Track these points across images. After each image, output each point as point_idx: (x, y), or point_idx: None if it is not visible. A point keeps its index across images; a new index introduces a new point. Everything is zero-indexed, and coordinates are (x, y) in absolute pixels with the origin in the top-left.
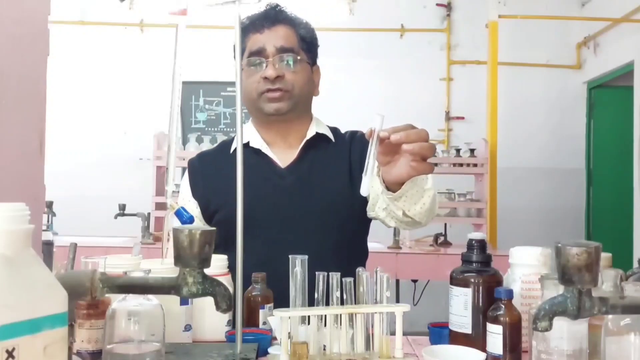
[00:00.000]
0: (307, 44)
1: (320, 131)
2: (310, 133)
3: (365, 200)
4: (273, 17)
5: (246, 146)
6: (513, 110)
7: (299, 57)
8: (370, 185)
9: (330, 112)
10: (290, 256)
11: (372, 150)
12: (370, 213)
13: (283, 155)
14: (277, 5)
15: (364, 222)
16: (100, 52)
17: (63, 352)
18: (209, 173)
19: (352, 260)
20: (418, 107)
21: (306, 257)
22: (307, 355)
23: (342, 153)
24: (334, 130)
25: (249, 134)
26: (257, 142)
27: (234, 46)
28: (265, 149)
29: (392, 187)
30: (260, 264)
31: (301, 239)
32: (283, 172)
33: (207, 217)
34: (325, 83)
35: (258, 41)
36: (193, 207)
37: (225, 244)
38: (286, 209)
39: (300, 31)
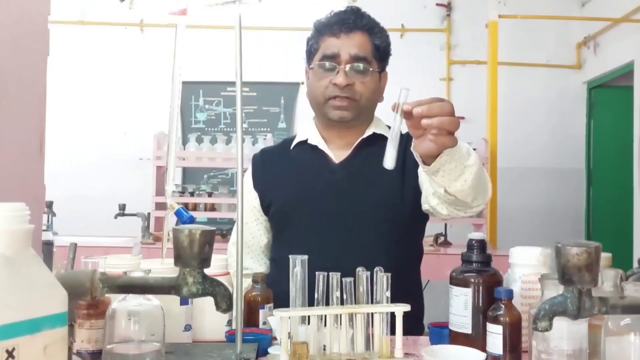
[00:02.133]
0: (380, 53)
1: (378, 131)
2: (368, 132)
3: (418, 199)
4: (352, 23)
5: (305, 142)
6: (513, 110)
7: (370, 68)
8: (394, 158)
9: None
10: (290, 256)
11: (396, 124)
12: (424, 206)
13: (339, 152)
14: (358, 10)
15: (417, 222)
16: (100, 52)
17: (63, 352)
18: (267, 168)
19: (402, 259)
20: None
21: (306, 257)
22: (307, 355)
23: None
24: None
25: (309, 131)
26: (315, 139)
27: (307, 41)
28: (322, 146)
29: (429, 160)
30: (309, 252)
31: (349, 234)
32: (335, 168)
33: (264, 209)
34: None
35: (333, 45)
36: (253, 199)
37: (274, 236)
38: (335, 203)
39: (375, 40)
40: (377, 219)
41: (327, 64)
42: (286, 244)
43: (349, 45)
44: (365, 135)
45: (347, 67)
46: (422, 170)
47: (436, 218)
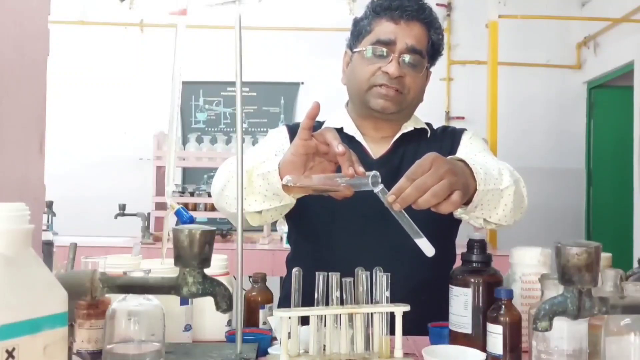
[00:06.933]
0: (433, 51)
1: (418, 126)
2: (408, 127)
3: None
4: (414, 11)
5: (339, 131)
6: (513, 110)
7: (425, 64)
8: (429, 243)
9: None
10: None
11: (403, 220)
12: (455, 213)
13: (375, 146)
14: None
15: (452, 225)
16: (100, 52)
17: (63, 352)
18: None
19: (437, 260)
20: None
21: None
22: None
23: (433, 149)
24: (428, 125)
25: (343, 119)
26: (351, 129)
27: (356, 22)
28: (359, 137)
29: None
30: (345, 254)
31: (387, 233)
32: (374, 164)
33: None
34: (326, 83)
35: (390, 31)
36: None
37: (295, 224)
38: (374, 201)
39: (433, 36)
40: (413, 219)
41: (380, 49)
42: (314, 237)
43: (408, 34)
44: (404, 131)
45: (402, 57)
46: (460, 211)
47: None
